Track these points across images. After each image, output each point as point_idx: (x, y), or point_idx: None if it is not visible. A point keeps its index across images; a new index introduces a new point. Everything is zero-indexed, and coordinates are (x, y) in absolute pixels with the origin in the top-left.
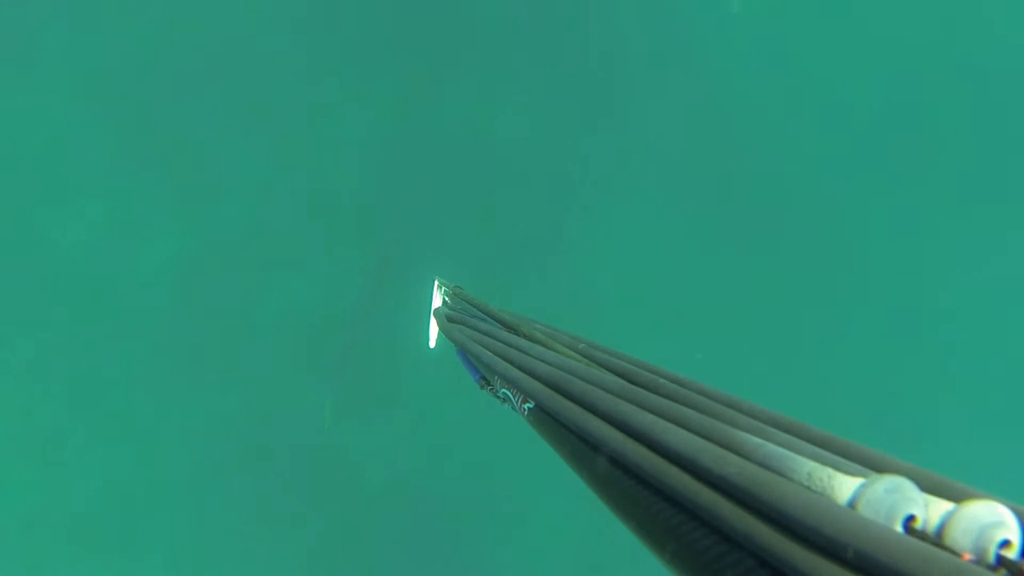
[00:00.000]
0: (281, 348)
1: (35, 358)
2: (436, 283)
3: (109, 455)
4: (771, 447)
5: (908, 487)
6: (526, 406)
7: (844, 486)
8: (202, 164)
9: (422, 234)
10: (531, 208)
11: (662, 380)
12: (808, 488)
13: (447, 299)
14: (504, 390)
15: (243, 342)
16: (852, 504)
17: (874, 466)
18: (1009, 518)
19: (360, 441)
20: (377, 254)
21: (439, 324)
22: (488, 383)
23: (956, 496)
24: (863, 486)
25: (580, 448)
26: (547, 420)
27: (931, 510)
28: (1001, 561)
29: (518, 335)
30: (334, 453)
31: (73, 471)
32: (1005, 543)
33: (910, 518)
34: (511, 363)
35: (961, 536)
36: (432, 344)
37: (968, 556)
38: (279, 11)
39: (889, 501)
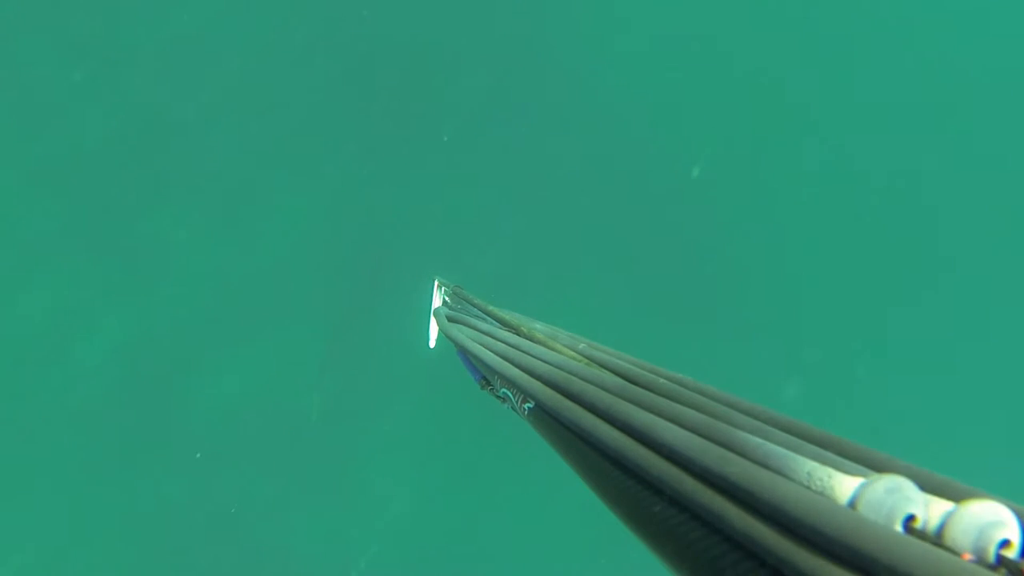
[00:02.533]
0: (227, 442)
1: None
2: (436, 283)
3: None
4: (771, 447)
5: (908, 487)
6: (526, 406)
7: (844, 486)
8: (143, 247)
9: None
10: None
11: (662, 380)
12: (808, 488)
13: (447, 299)
14: (504, 390)
15: (188, 435)
16: (852, 504)
17: (874, 466)
18: (1009, 518)
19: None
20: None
21: (439, 324)
22: (488, 383)
23: (956, 496)
24: (863, 486)
25: (580, 448)
26: (547, 420)
27: (931, 510)
28: (1001, 561)
29: (518, 335)
30: (280, 547)
31: None
32: (1005, 543)
33: (910, 518)
34: (511, 362)
35: (961, 536)
36: (432, 344)
37: (968, 556)
38: (223, 87)
39: (889, 501)
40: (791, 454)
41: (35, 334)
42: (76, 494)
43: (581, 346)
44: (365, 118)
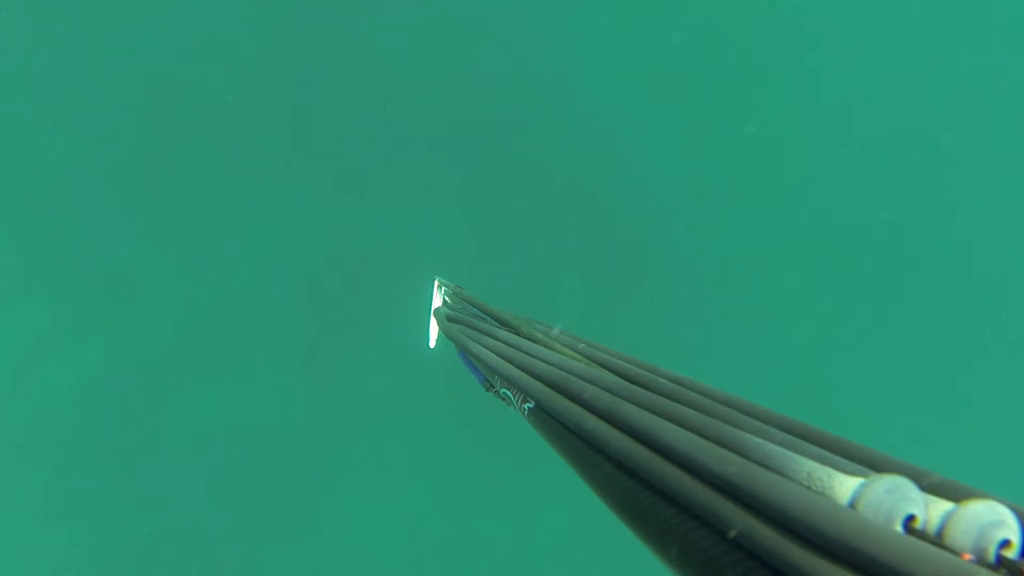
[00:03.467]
0: (194, 473)
1: None
2: (436, 283)
3: None
4: (771, 447)
5: (908, 487)
6: (526, 406)
7: (844, 486)
8: (112, 280)
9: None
10: None
11: (662, 380)
12: (808, 488)
13: (447, 299)
14: (505, 390)
15: (156, 467)
16: (852, 504)
17: (874, 466)
18: (1009, 518)
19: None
20: (297, 368)
21: (439, 324)
22: (491, 384)
23: (956, 496)
24: (863, 486)
25: (580, 448)
26: (547, 420)
27: (931, 510)
28: (1001, 561)
29: (518, 335)
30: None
31: None
32: (1005, 543)
33: (910, 518)
34: (511, 363)
35: (961, 536)
36: (432, 344)
37: (968, 556)
38: (186, 120)
39: (889, 501)
40: (791, 454)
41: (6, 365)
42: (45, 524)
43: (581, 346)
44: (342, 132)
